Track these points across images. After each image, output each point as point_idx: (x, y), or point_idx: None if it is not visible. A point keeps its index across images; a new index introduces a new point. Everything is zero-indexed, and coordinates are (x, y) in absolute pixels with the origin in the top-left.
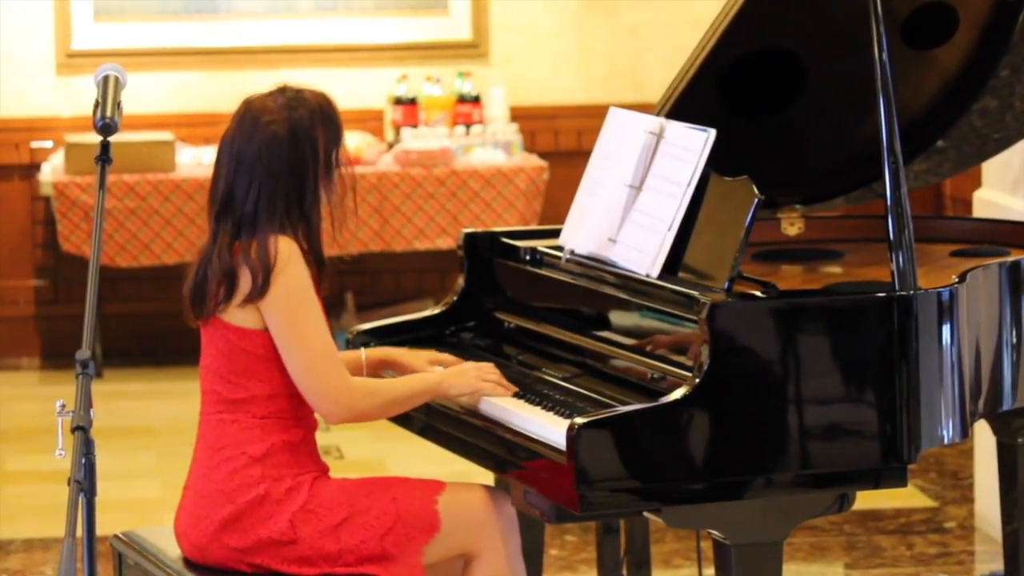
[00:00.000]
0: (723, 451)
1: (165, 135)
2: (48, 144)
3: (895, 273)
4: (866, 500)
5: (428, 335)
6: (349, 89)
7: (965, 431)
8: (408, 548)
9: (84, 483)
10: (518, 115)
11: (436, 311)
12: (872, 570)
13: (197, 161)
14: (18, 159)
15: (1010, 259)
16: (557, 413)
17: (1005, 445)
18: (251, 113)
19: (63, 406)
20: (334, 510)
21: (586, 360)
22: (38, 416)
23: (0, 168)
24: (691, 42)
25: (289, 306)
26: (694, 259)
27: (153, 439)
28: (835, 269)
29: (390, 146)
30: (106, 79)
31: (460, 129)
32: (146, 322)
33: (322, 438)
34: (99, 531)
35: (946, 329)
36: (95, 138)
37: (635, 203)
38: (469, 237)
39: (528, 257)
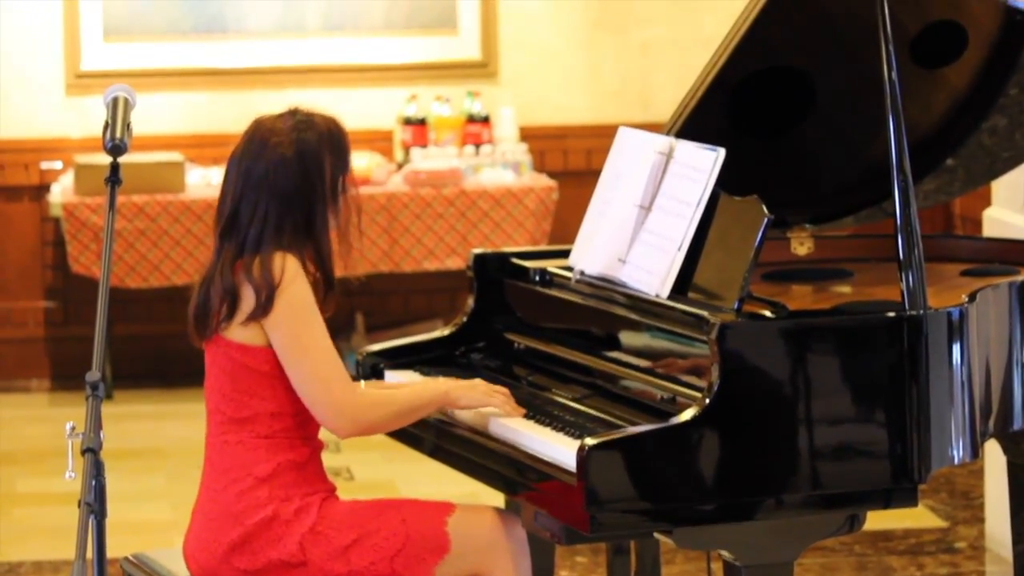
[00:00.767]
0: (734, 472)
1: (174, 156)
2: (58, 165)
3: (905, 293)
4: (876, 520)
5: (438, 356)
6: (358, 109)
7: (975, 451)
8: (418, 570)
9: (94, 505)
10: (527, 135)
11: (446, 332)
12: None
13: (206, 182)
14: (28, 180)
15: (1020, 278)
16: (567, 434)
17: (1016, 465)
18: (260, 133)
19: (73, 428)
20: (344, 532)
21: (596, 381)
22: (48, 438)
23: (10, 189)
24: (701, 61)
25: (293, 322)
26: (704, 279)
27: (163, 461)
28: (845, 289)
29: (399, 166)
30: (116, 100)
31: (470, 149)
32: (156, 343)
33: (332, 459)
34: (109, 553)
35: (956, 349)
36: (105, 159)
37: (645, 223)
38: (479, 257)
39: (538, 278)
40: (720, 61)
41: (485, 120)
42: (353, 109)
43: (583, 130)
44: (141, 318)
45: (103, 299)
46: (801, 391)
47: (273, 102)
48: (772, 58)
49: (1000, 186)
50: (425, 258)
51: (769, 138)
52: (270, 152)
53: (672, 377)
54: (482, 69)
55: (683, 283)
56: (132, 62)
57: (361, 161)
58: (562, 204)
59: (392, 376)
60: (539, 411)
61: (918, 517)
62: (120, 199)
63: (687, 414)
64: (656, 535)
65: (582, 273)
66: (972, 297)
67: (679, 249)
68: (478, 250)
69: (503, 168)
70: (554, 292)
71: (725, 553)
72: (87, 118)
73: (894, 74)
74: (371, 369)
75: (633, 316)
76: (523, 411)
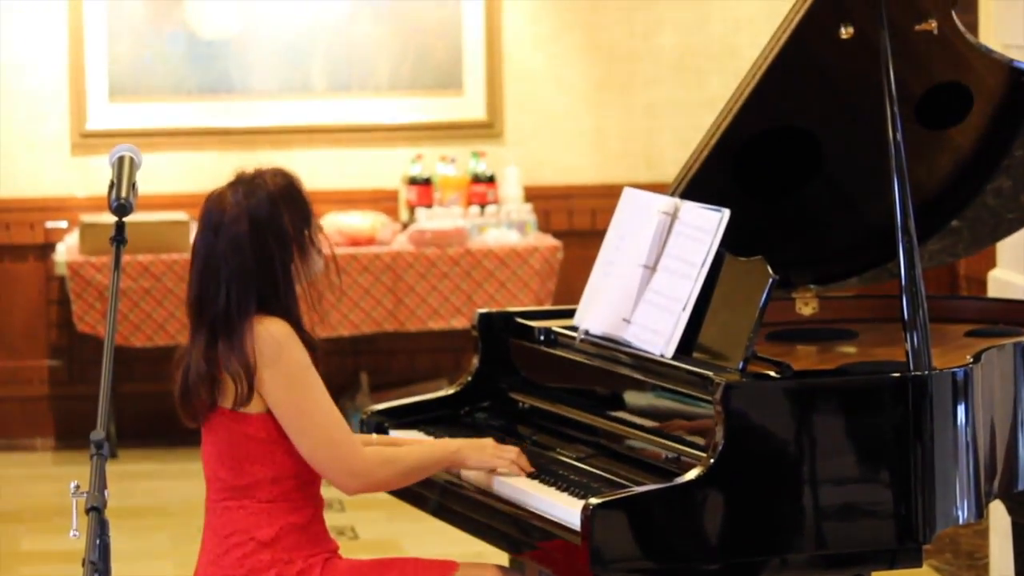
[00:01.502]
0: (738, 531)
1: (179, 215)
2: (63, 224)
3: (910, 353)
4: None
5: (443, 415)
6: (364, 169)
7: (980, 511)
8: None
9: (98, 564)
10: (532, 195)
11: (451, 391)
12: None
13: None
14: (33, 239)
15: None
16: (571, 493)
17: (1020, 525)
18: (211, 214)
19: (77, 487)
20: None
21: (600, 440)
22: (52, 496)
23: (15, 248)
24: (705, 122)
25: (291, 388)
26: (708, 339)
27: (167, 520)
28: (850, 349)
29: (404, 226)
30: (121, 159)
31: (475, 209)
32: (161, 402)
33: (336, 518)
34: None
35: (961, 409)
36: (110, 218)
37: (649, 283)
38: (483, 317)
39: (542, 337)
40: (725, 122)
41: (490, 180)
42: (358, 169)
43: (588, 190)
44: (146, 377)
45: (108, 358)
46: (806, 451)
47: (278, 162)
48: (777, 119)
49: (1005, 247)
50: (430, 317)
51: (774, 199)
52: (224, 232)
53: (676, 437)
54: (487, 129)
55: (688, 343)
56: (138, 121)
57: (366, 221)
58: (567, 264)
59: (397, 436)
60: (544, 470)
61: None
62: (125, 258)
63: (691, 474)
64: None
65: (587, 333)
66: (977, 358)
67: (684, 309)
68: (483, 310)
69: (508, 228)
70: (559, 352)
71: None
72: (92, 177)
73: (899, 135)
74: (375, 428)
75: (638, 376)
76: (531, 468)
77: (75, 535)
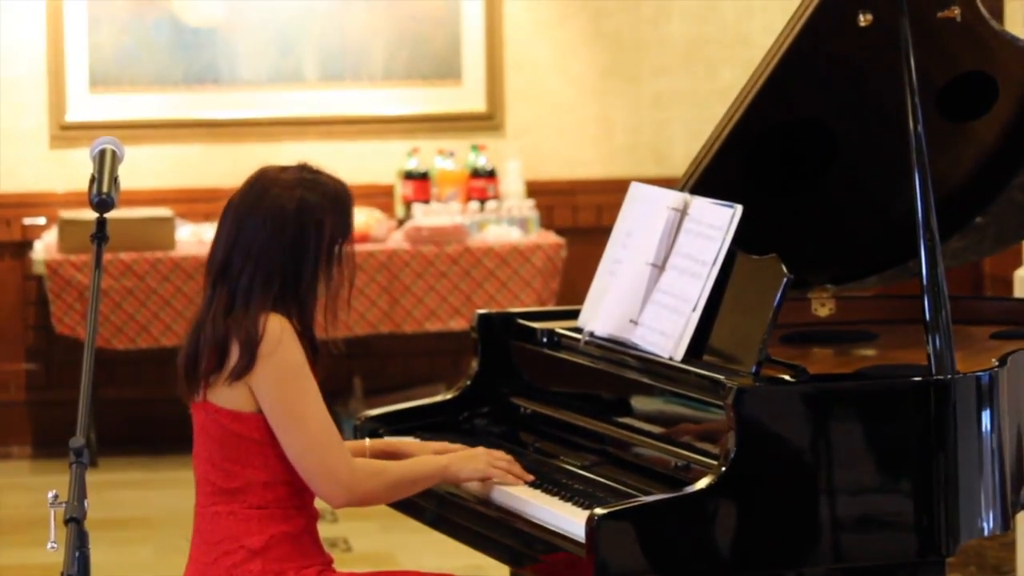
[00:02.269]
0: (751, 544)
1: (164, 211)
2: (41, 221)
3: (932, 356)
4: None
5: (440, 422)
6: (358, 163)
7: (1007, 522)
8: None
9: None
10: (535, 190)
11: (448, 396)
12: None
13: (197, 238)
14: (9, 236)
15: None
16: (576, 503)
17: None
18: (262, 182)
19: (56, 496)
20: None
21: (606, 448)
22: (29, 507)
23: None
24: (717, 113)
25: (283, 387)
26: (720, 342)
27: (150, 532)
28: (868, 352)
29: (400, 223)
30: (102, 153)
31: (474, 205)
32: (144, 408)
33: (329, 529)
34: None
35: (985, 415)
36: (91, 215)
37: (658, 283)
38: (483, 318)
39: (545, 339)
40: (738, 113)
41: (490, 174)
42: (352, 163)
43: (593, 185)
44: (128, 381)
45: (88, 361)
46: (822, 459)
47: (267, 155)
48: (792, 110)
49: None
50: (427, 319)
51: (789, 194)
52: (269, 203)
53: (686, 444)
54: (487, 121)
55: (698, 346)
56: (120, 113)
57: (360, 217)
58: (571, 262)
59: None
60: (547, 479)
61: None
62: (107, 257)
63: (702, 483)
64: None
65: (592, 335)
66: (1002, 361)
67: (694, 310)
68: (483, 310)
69: (509, 225)
70: (562, 355)
71: None
72: (72, 172)
73: (920, 127)
74: (369, 435)
75: (645, 380)
76: (531, 477)
77: (53, 548)
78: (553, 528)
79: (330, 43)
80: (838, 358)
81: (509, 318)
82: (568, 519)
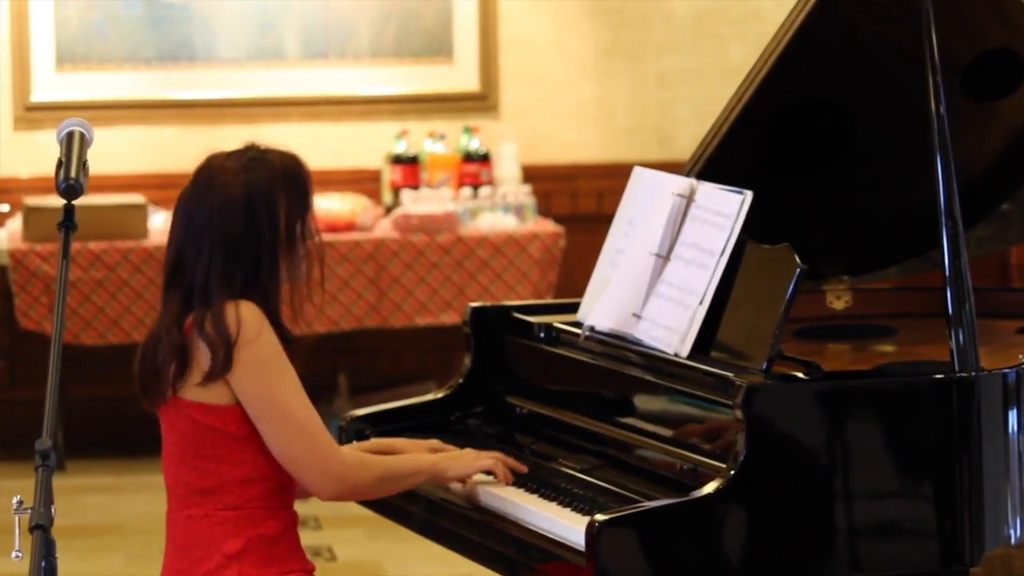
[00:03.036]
0: (762, 552)
1: (136, 198)
2: (4, 208)
3: (954, 352)
4: None
5: (430, 422)
6: (342, 146)
7: None
8: None
9: None
10: (531, 175)
11: (439, 395)
12: None
13: None
14: None
15: None
16: (575, 509)
17: None
18: (207, 172)
19: (20, 502)
20: None
21: (607, 450)
22: None
23: None
24: (726, 93)
25: (265, 377)
26: (729, 337)
27: (121, 539)
28: (887, 348)
29: (388, 210)
30: (70, 136)
31: (466, 191)
32: (114, 407)
33: (312, 537)
34: None
35: (1012, 415)
36: (58, 201)
37: (662, 274)
38: (477, 312)
39: (542, 334)
40: (748, 93)
41: (484, 158)
42: (336, 146)
43: (593, 170)
44: (98, 379)
45: (55, 358)
46: (838, 462)
47: (246, 138)
48: (806, 90)
49: None
50: (417, 312)
51: (802, 180)
52: (215, 193)
53: (693, 445)
54: (481, 102)
55: (705, 341)
56: (88, 93)
57: (345, 204)
58: (570, 252)
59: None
60: (544, 483)
61: None
62: (75, 246)
63: (710, 487)
64: None
65: (592, 329)
66: None
67: (701, 303)
68: (476, 304)
69: (504, 212)
70: (561, 350)
71: None
72: (38, 156)
73: (942, 108)
74: (355, 436)
75: (649, 377)
76: (525, 468)
77: (17, 556)
78: (551, 535)
79: (313, 18)
80: (855, 354)
81: (504, 312)
82: (567, 525)
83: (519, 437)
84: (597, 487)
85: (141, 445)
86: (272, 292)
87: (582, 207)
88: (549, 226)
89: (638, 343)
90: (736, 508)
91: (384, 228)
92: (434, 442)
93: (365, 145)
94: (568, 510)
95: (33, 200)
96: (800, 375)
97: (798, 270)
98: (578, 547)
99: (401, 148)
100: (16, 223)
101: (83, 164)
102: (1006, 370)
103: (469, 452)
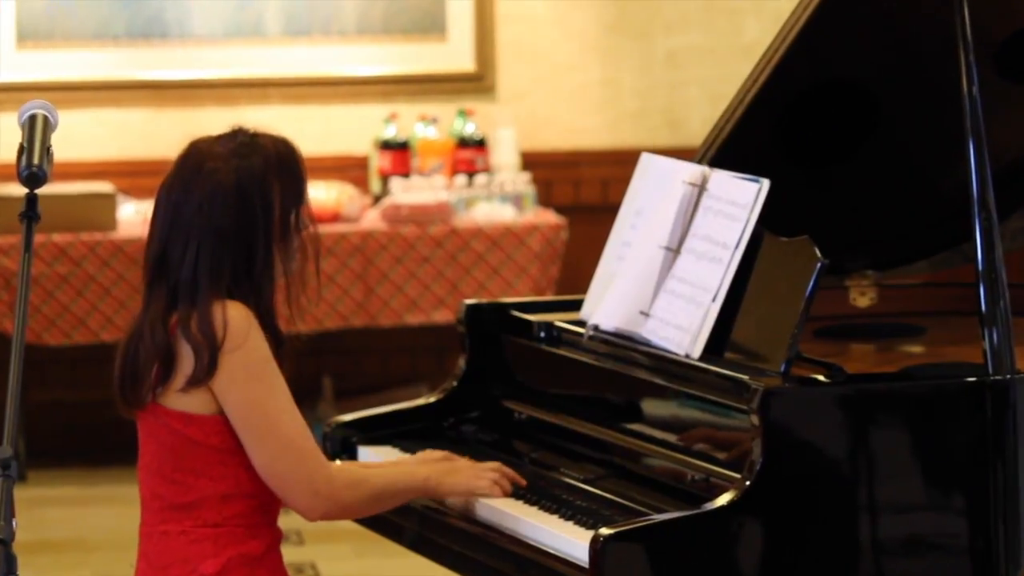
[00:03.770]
0: (780, 570)
1: (104, 187)
2: None
3: (988, 353)
4: None
5: (422, 428)
6: (327, 130)
7: None
8: None
9: None
10: (531, 162)
11: (431, 399)
12: None
13: (142, 217)
14: None
15: None
16: (578, 522)
17: None
18: (194, 157)
19: None
20: None
21: (613, 458)
22: None
23: None
24: (741, 73)
25: (252, 385)
26: (744, 336)
27: (87, 555)
28: (915, 348)
29: (376, 199)
30: (32, 119)
31: (461, 179)
32: (80, 413)
33: (294, 553)
34: None
35: None
36: (19, 190)
37: (672, 269)
38: (472, 310)
39: (543, 334)
40: (764, 74)
41: (479, 144)
42: (320, 130)
43: (598, 156)
44: (62, 383)
45: (16, 360)
46: (862, 472)
47: (223, 122)
48: (827, 70)
49: None
50: (407, 310)
51: (823, 167)
52: (204, 181)
53: (705, 454)
54: (476, 83)
55: (719, 341)
56: (52, 72)
57: (330, 194)
58: (572, 245)
59: (367, 454)
60: (544, 494)
61: None
62: (38, 238)
63: (723, 499)
64: None
65: (596, 328)
66: None
67: (714, 300)
68: (471, 301)
69: (501, 202)
70: (563, 351)
71: None
72: None
73: (975, 89)
74: (341, 444)
75: (658, 380)
76: (523, 482)
77: None
78: (552, 550)
79: None
80: (880, 355)
81: (501, 309)
82: (569, 540)
83: (517, 444)
84: (601, 499)
85: (109, 454)
86: (265, 288)
87: (585, 197)
88: (550, 217)
89: (646, 343)
90: (752, 522)
91: (372, 219)
92: (443, 454)
93: (351, 129)
94: (571, 523)
95: None
96: (821, 378)
97: (819, 265)
98: (581, 563)
99: (390, 133)
100: None
101: (47, 150)
102: None
103: (465, 466)
